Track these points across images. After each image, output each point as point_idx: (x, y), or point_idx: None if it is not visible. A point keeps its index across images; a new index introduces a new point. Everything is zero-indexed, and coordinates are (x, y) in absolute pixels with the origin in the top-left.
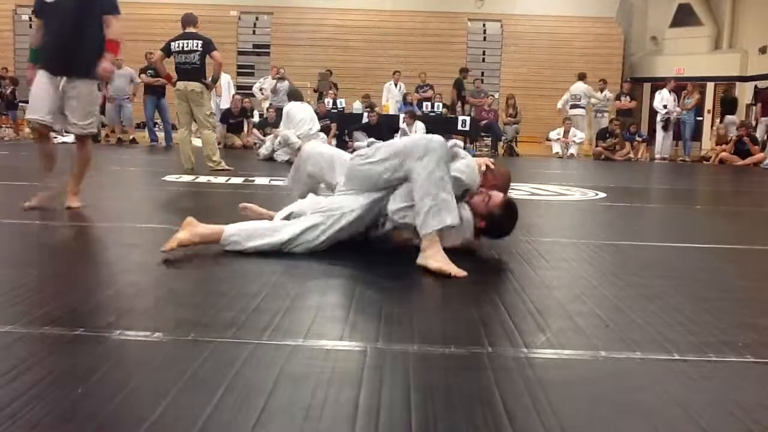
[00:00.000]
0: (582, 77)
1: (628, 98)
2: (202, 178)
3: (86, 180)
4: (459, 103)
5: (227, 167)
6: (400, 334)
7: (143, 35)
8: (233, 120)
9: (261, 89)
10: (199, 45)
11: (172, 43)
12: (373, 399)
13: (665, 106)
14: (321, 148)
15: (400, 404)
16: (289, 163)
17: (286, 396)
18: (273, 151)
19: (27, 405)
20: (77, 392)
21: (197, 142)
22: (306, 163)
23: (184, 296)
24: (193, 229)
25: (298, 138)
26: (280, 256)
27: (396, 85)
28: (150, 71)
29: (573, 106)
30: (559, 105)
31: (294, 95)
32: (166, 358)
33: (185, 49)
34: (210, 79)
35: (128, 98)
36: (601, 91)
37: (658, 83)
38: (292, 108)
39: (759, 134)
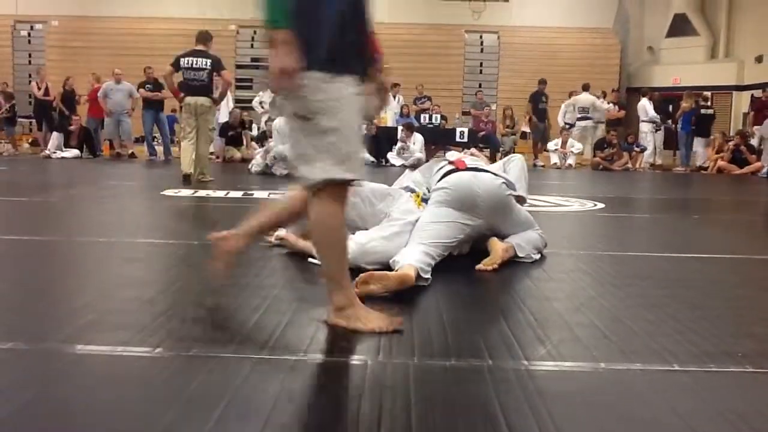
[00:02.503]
0: (586, 88)
1: (616, 108)
2: (201, 192)
3: (85, 195)
4: (535, 119)
5: (210, 178)
6: (400, 348)
7: (142, 50)
8: (232, 132)
9: (261, 103)
10: (208, 64)
11: (182, 59)
12: (375, 413)
13: (659, 115)
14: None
15: (401, 418)
16: (289, 176)
17: (287, 411)
18: (266, 166)
19: (27, 422)
20: (77, 407)
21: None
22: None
23: (185, 311)
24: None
25: None
26: (279, 270)
27: (395, 97)
28: (149, 85)
29: (582, 118)
30: (561, 122)
31: None
32: (167, 374)
33: (194, 66)
34: (218, 95)
35: (127, 113)
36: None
37: (652, 94)
38: (282, 123)
39: (755, 143)
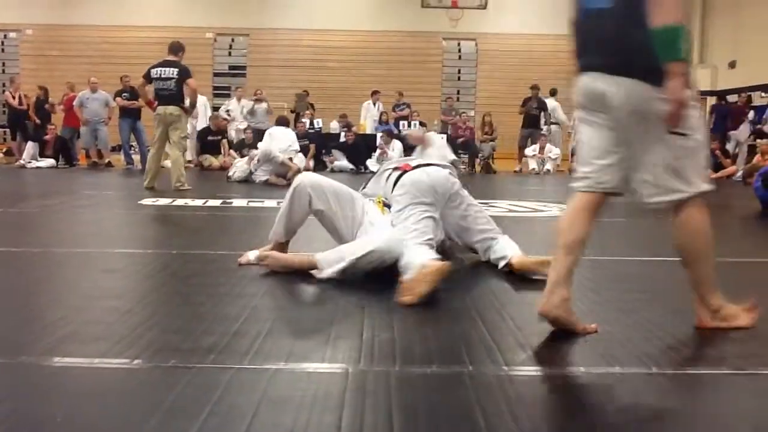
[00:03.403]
0: (553, 93)
1: None
2: (179, 201)
3: (61, 205)
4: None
5: (188, 187)
6: (381, 355)
7: (118, 58)
8: (211, 137)
9: (227, 111)
10: (175, 73)
11: (152, 70)
12: (356, 421)
13: None
14: (317, 178)
15: (382, 425)
16: (267, 183)
17: (268, 420)
18: (250, 173)
19: None
20: (56, 421)
21: (167, 163)
22: (308, 199)
23: (164, 321)
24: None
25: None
26: (259, 278)
27: (375, 104)
28: (125, 94)
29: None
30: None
31: (282, 121)
32: (147, 386)
33: (163, 76)
34: (188, 104)
35: (103, 122)
36: None
37: None
38: (274, 130)
39: (730, 147)
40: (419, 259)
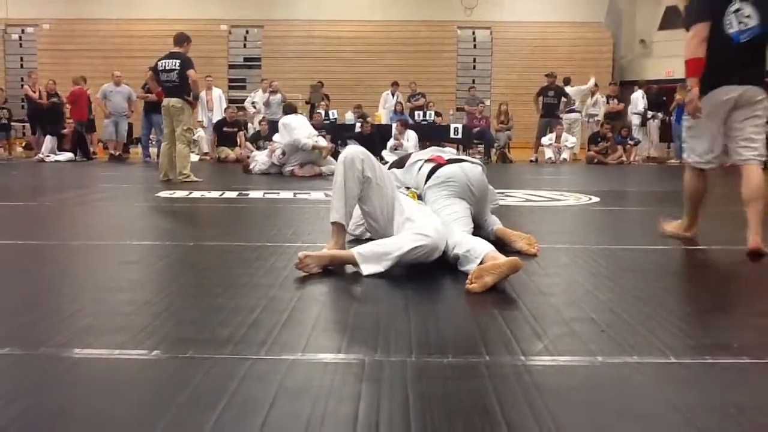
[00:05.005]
0: (567, 82)
1: (615, 101)
2: (196, 193)
3: (79, 199)
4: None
5: (195, 179)
6: (397, 345)
7: (134, 52)
8: (227, 128)
9: (253, 103)
10: (177, 64)
11: (159, 63)
12: (372, 411)
13: (646, 108)
14: (362, 148)
15: (399, 416)
16: (293, 174)
17: (285, 410)
18: (272, 165)
19: (26, 427)
20: (76, 412)
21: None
22: (361, 165)
23: (181, 312)
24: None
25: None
26: (275, 269)
27: (393, 95)
28: (147, 86)
29: (568, 111)
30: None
31: (289, 109)
32: (165, 376)
33: (167, 68)
34: (191, 96)
35: (126, 115)
36: (593, 95)
37: (650, 87)
38: (288, 119)
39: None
40: (484, 249)
